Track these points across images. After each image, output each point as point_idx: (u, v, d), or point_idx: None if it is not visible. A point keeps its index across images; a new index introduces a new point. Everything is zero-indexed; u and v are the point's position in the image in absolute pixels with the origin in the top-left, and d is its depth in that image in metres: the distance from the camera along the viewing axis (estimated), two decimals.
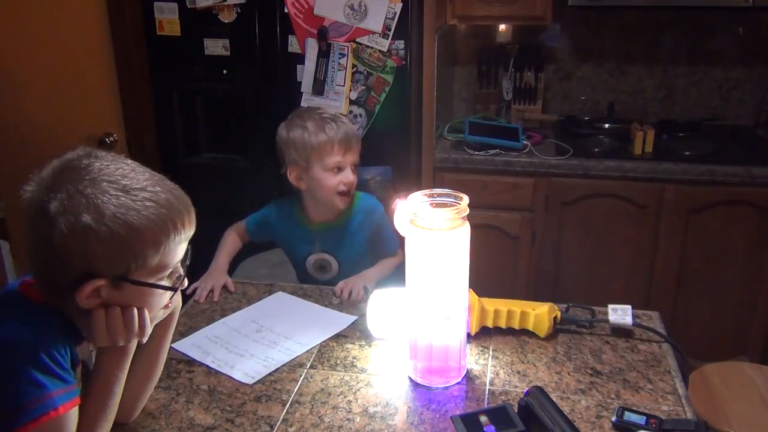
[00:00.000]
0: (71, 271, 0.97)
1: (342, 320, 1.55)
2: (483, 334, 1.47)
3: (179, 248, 1.05)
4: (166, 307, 1.12)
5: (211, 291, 1.69)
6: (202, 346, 1.46)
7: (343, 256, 1.89)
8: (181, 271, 1.08)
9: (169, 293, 1.08)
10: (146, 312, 1.06)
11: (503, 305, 1.47)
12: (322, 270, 1.92)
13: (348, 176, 1.81)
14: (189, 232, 1.05)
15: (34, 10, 2.68)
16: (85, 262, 0.97)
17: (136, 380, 1.18)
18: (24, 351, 0.96)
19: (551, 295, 2.47)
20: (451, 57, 3.01)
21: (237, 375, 1.35)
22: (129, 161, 1.03)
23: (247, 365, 1.38)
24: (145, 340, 1.09)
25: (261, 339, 1.48)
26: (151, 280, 1.03)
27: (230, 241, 1.92)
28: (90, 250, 0.96)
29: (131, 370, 1.16)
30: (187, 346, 1.46)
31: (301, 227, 1.91)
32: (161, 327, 1.18)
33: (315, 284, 1.82)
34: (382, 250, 1.90)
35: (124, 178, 0.99)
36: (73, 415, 1.01)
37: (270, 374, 1.35)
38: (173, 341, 1.46)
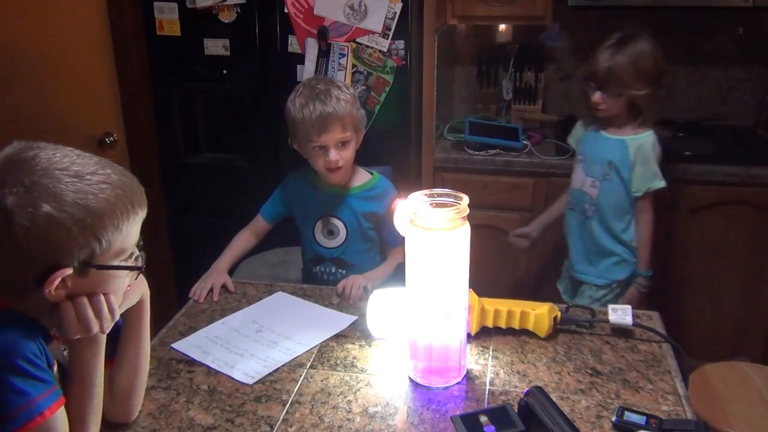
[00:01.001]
0: (36, 265, 0.97)
1: (342, 320, 1.55)
2: (483, 334, 1.47)
3: (135, 229, 1.06)
4: (128, 289, 1.12)
5: (211, 290, 1.69)
6: (202, 346, 1.46)
7: (350, 220, 1.88)
8: (138, 252, 1.09)
9: (130, 275, 1.09)
10: (112, 297, 1.06)
11: (503, 305, 1.47)
12: (330, 235, 1.90)
13: (330, 156, 1.77)
14: (144, 211, 1.06)
15: (33, 11, 2.68)
16: (50, 252, 0.96)
17: (124, 377, 1.18)
18: None
19: (551, 295, 2.47)
20: (451, 57, 3.01)
21: (237, 375, 1.35)
22: (71, 148, 1.04)
23: (247, 365, 1.38)
24: (109, 327, 1.08)
25: (261, 339, 1.48)
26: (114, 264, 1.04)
27: (238, 242, 1.92)
28: (54, 239, 0.95)
29: (118, 368, 1.16)
30: (187, 346, 1.46)
31: (313, 189, 1.91)
32: (135, 317, 1.18)
33: (322, 255, 1.87)
34: (389, 239, 1.89)
35: (74, 164, 1.00)
36: (61, 415, 1.00)
37: (270, 374, 1.35)
38: (173, 341, 1.47)
